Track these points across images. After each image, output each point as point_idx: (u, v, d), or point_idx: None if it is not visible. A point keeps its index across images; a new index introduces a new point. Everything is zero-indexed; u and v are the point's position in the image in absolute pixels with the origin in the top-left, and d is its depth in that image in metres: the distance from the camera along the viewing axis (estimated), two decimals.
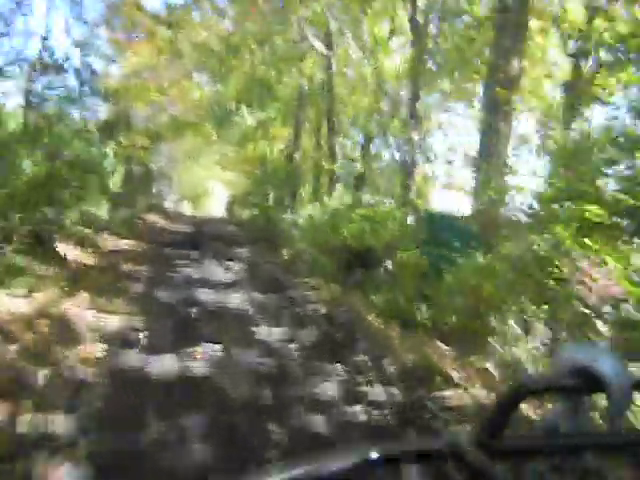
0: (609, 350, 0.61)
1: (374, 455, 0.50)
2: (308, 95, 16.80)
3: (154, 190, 27.12)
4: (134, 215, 18.33)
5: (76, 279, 7.26)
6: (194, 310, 6.40)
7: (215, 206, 36.45)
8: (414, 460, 0.54)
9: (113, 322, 5.40)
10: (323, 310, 6.64)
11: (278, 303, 7.09)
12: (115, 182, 11.57)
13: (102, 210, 10.98)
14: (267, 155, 23.19)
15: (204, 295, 7.35)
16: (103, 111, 19.25)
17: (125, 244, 12.30)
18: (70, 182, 8.80)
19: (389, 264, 8.92)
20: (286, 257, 12.41)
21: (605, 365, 0.53)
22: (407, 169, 13.29)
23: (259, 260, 11.69)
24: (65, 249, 9.51)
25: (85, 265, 8.73)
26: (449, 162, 13.84)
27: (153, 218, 21.01)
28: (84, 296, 6.33)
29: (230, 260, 11.21)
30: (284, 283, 8.66)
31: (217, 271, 9.66)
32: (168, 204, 28.86)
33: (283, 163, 20.70)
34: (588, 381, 0.53)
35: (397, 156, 16.56)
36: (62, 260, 8.44)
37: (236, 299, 7.26)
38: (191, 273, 9.20)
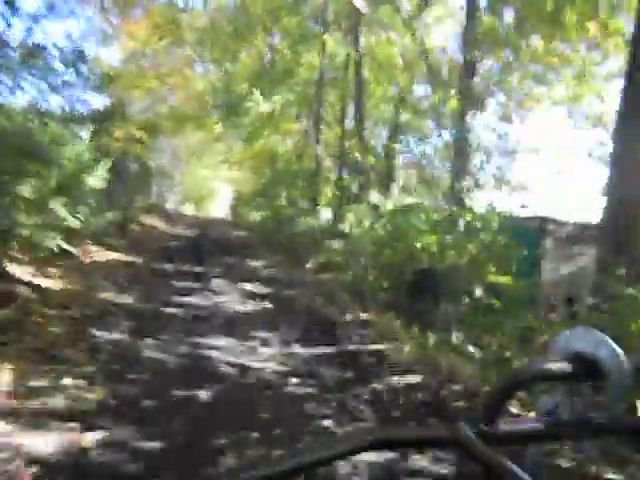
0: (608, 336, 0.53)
1: (374, 441, 0.49)
2: (330, 77, 13.92)
3: (154, 189, 24.24)
4: (129, 218, 15.47)
5: (12, 328, 4.40)
6: (203, 395, 3.54)
7: (219, 207, 33.57)
8: (413, 446, 0.54)
9: (41, 451, 2.55)
10: (422, 389, 3.78)
11: (338, 370, 4.24)
12: (98, 178, 8.77)
13: (81, 212, 8.16)
14: (278, 150, 20.37)
15: (216, 351, 4.50)
16: (96, 100, 16.43)
17: (111, 258, 9.44)
18: (24, 173, 5.93)
19: (478, 292, 6.07)
20: (317, 273, 9.55)
21: (604, 351, 0.51)
22: (457, 163, 10.43)
23: (284, 279, 8.83)
24: (20, 269, 6.67)
25: (44, 294, 5.86)
26: (508, 156, 10.98)
27: (152, 221, 18.11)
28: (7, 372, 3.47)
29: (246, 280, 8.35)
30: (332, 321, 5.81)
31: (231, 299, 6.81)
32: (169, 205, 25.98)
33: (297, 159, 17.88)
34: (587, 367, 0.52)
35: (430, 148, 13.74)
36: (7, 287, 5.59)
37: (268, 360, 4.41)
38: (196, 304, 6.35)
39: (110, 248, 10.53)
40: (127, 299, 6.31)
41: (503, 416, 0.50)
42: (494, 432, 0.49)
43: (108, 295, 6.32)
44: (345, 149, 14.06)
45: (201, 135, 24.25)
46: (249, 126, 14.57)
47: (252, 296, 7.21)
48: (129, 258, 9.87)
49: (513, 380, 0.53)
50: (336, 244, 8.85)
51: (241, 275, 9.07)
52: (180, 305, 6.23)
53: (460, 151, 10.38)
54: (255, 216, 22.61)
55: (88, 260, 8.59)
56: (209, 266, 9.77)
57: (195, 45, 18.88)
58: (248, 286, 8.01)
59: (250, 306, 6.53)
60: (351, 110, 14.01)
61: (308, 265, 11.00)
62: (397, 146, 12.62)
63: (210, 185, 31.52)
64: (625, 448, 2.53)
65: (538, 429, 0.54)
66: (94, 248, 10.03)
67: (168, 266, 9.36)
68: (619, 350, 0.50)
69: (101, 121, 13.66)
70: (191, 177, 28.86)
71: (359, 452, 0.48)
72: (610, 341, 0.51)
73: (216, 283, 8.05)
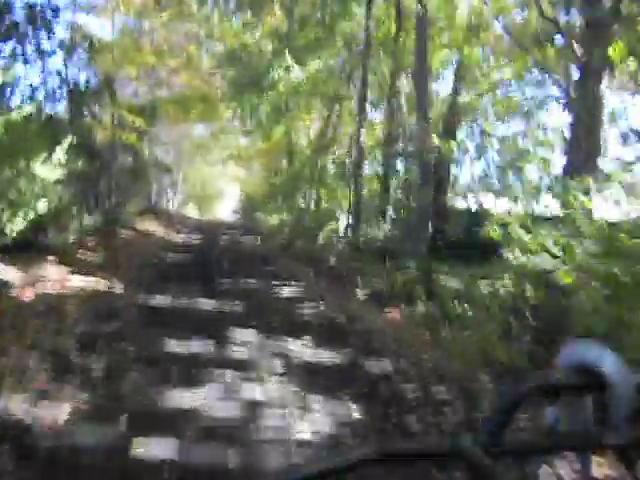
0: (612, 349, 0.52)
1: (376, 454, 0.47)
2: (378, 40, 10.52)
3: (154, 188, 20.79)
4: (118, 222, 12.11)
5: None
6: None
7: (226, 208, 30.17)
8: (417, 460, 0.52)
9: None
10: None
11: None
12: (53, 165, 5.47)
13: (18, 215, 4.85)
14: (297, 142, 17.00)
15: None
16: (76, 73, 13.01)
17: (75, 287, 6.03)
18: None
19: None
20: (381, 307, 6.18)
21: (608, 364, 0.50)
22: (575, 151, 7.02)
23: (342, 325, 5.45)
24: None
25: None
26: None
27: (148, 225, 14.68)
28: None
29: (287, 329, 4.96)
30: None
31: (277, 394, 3.40)
32: (170, 205, 22.57)
33: (322, 149, 14.46)
34: (591, 380, 0.50)
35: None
36: None
37: None
38: (210, 417, 2.95)
39: (81, 268, 7.14)
40: (63, 409, 2.91)
41: (507, 429, 0.47)
42: (498, 445, 0.47)
43: (20, 407, 2.91)
44: (393, 134, 10.71)
45: (207, 126, 20.90)
46: (272, 103, 11.08)
47: (310, 376, 3.81)
48: (104, 286, 6.47)
49: (517, 393, 0.50)
50: (453, 281, 5.32)
51: (275, 315, 5.69)
52: (178, 425, 2.83)
53: (581, 133, 6.96)
54: (270, 219, 19.26)
55: (28, 296, 5.17)
56: (223, 298, 6.37)
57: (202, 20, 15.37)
58: (294, 346, 4.60)
59: (319, 418, 3.11)
60: (402, 86, 10.66)
61: (359, 293, 7.63)
62: (488, 126, 9.26)
63: (216, 184, 28.08)
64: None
65: (541, 442, 0.52)
66: (53, 270, 6.66)
67: (162, 301, 5.96)
68: (623, 363, 0.49)
69: (78, 97, 10.31)
70: (195, 174, 25.44)
71: (362, 466, 0.46)
72: (614, 355, 0.49)
73: (240, 339, 4.65)
